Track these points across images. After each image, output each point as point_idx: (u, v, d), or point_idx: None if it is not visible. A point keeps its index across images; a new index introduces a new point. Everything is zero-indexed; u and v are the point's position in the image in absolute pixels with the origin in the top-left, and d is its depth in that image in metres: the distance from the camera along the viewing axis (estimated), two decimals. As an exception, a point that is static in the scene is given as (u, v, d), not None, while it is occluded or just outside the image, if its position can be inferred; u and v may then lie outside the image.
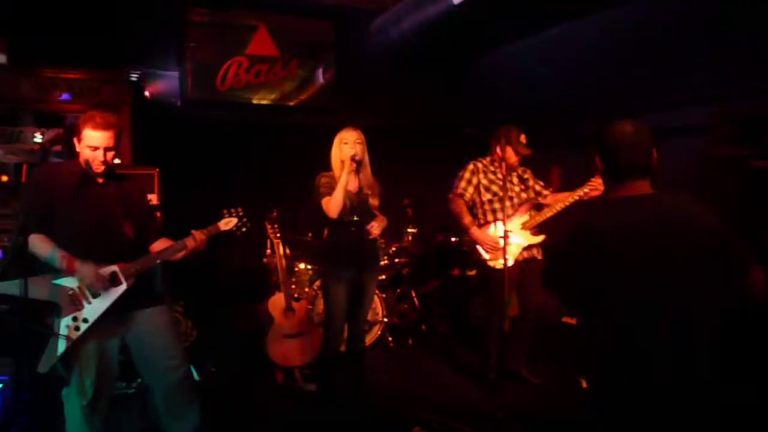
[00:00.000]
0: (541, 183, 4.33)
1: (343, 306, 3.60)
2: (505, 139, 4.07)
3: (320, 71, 5.97)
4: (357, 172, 3.51)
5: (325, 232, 3.74)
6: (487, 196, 4.16)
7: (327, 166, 3.62)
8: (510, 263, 3.85)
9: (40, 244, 2.61)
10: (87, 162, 2.69)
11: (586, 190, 3.92)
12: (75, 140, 2.71)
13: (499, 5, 4.58)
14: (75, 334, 2.59)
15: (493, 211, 4.17)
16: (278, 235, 4.30)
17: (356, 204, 3.52)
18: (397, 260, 5.37)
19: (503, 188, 4.02)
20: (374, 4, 5.80)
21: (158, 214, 3.92)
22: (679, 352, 1.76)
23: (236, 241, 3.83)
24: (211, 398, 3.00)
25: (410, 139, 6.05)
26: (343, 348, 3.96)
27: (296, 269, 4.97)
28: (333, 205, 3.44)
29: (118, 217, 2.74)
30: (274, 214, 4.45)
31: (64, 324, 2.59)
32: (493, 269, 4.03)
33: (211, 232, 2.92)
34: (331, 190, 3.49)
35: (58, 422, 2.81)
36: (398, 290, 5.47)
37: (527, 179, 4.30)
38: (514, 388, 4.08)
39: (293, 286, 4.48)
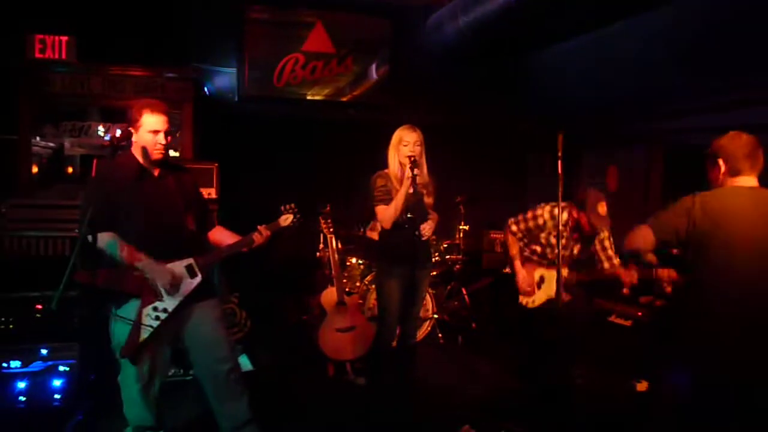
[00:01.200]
0: (609, 252, 3.96)
1: (396, 303, 3.61)
2: (582, 204, 3.71)
3: (374, 67, 5.99)
4: (414, 174, 3.40)
5: (372, 226, 3.73)
6: (551, 240, 3.96)
7: (379, 162, 3.59)
8: (531, 305, 4.02)
9: (106, 241, 2.71)
10: (145, 150, 2.76)
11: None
12: (131, 129, 2.78)
13: (560, 1, 4.48)
14: (156, 324, 2.70)
15: (542, 255, 4.07)
16: (331, 229, 4.36)
17: (411, 204, 3.51)
18: (448, 257, 5.36)
19: (566, 246, 3.89)
20: (431, 0, 5.77)
21: (215, 208, 4.06)
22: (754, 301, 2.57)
23: (290, 235, 3.92)
24: (263, 388, 3.07)
25: (463, 135, 6.02)
26: (394, 344, 3.99)
27: (348, 264, 5.03)
28: (387, 217, 3.45)
29: (178, 209, 2.82)
30: (327, 208, 4.50)
31: (146, 313, 2.71)
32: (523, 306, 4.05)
33: (273, 228, 2.99)
34: (386, 195, 3.49)
35: (120, 405, 2.95)
36: (449, 287, 5.46)
37: (602, 239, 3.95)
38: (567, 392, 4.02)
39: (345, 281, 4.53)
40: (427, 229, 3.53)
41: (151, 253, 2.71)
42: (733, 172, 2.71)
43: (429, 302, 4.94)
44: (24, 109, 4.26)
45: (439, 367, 4.54)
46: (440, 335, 5.06)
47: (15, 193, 4.07)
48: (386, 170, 3.57)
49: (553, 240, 3.94)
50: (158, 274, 2.69)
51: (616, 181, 4.95)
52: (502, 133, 6.17)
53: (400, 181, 3.46)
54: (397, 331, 3.79)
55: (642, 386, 4.13)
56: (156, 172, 2.85)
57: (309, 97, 5.82)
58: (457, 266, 5.45)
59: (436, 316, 5.01)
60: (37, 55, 4.33)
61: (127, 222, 2.74)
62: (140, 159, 2.81)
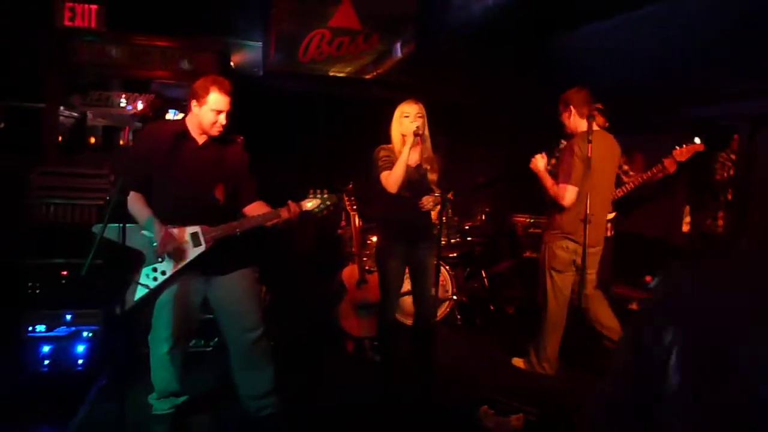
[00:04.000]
0: (628, 164, 4.35)
1: (396, 279, 3.64)
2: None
3: (398, 45, 5.92)
4: (417, 146, 3.47)
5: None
6: None
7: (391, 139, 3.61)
8: None
9: (137, 205, 2.76)
10: (200, 123, 2.79)
11: (655, 171, 4.20)
12: (193, 102, 2.80)
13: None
14: (152, 284, 2.76)
15: None
16: (354, 207, 4.35)
17: (414, 179, 3.51)
18: (469, 238, 5.34)
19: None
20: (458, -23, 5.68)
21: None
22: None
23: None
24: (281, 363, 3.08)
25: (487, 115, 5.95)
26: (410, 322, 3.99)
27: (368, 242, 5.03)
28: (393, 179, 3.44)
29: (209, 180, 2.83)
30: (350, 186, 4.49)
31: (144, 273, 2.77)
32: None
33: (301, 207, 2.95)
34: (389, 163, 3.49)
35: (141, 372, 3.00)
36: (468, 269, 5.45)
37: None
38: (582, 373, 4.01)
39: (365, 259, 4.53)
40: (428, 201, 3.50)
41: (173, 217, 2.75)
42: (581, 116, 3.73)
43: (449, 283, 4.93)
44: (52, 78, 4.26)
45: (457, 348, 4.54)
46: (459, 317, 5.06)
47: (41, 161, 4.09)
48: (390, 145, 3.60)
49: None
50: (158, 236, 2.72)
51: (642, 168, 4.89)
52: (527, 114, 6.08)
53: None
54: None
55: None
56: (200, 142, 2.86)
57: (333, 74, 5.79)
58: (478, 248, 5.42)
59: (455, 297, 5.01)
60: (67, 23, 4.32)
61: (158, 186, 2.78)
62: (191, 128, 2.83)
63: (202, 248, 2.78)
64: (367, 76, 5.91)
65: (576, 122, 3.85)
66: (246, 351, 2.93)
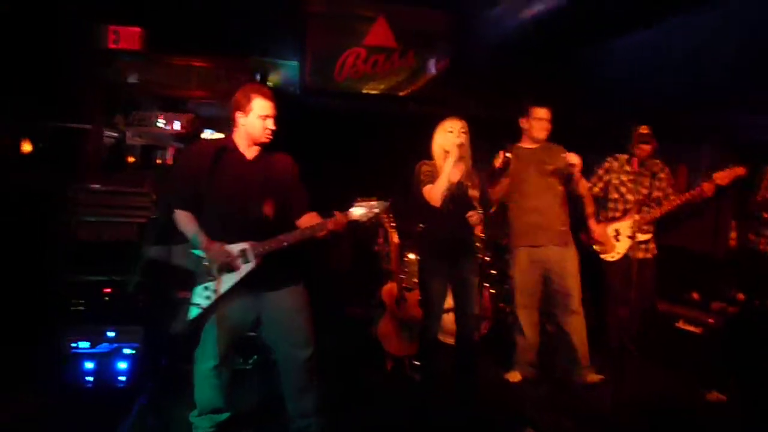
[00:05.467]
0: (672, 186, 4.29)
1: (439, 297, 3.60)
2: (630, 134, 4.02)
3: (432, 62, 5.92)
4: (460, 161, 3.49)
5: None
6: (614, 195, 4.36)
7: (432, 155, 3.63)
8: (615, 258, 4.30)
9: (185, 222, 2.77)
10: (248, 134, 2.79)
11: (694, 194, 4.08)
12: (238, 114, 2.80)
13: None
14: (205, 303, 2.73)
15: (615, 210, 4.36)
16: (393, 224, 4.32)
17: (456, 195, 3.49)
18: (507, 256, 5.24)
19: (631, 190, 4.18)
20: (492, -7, 5.67)
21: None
22: None
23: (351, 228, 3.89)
24: (320, 381, 3.04)
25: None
26: (451, 341, 3.93)
27: (405, 259, 4.98)
28: (436, 193, 3.43)
29: (259, 196, 2.82)
30: (388, 204, 4.45)
31: (196, 292, 2.75)
32: (605, 261, 4.33)
33: (348, 217, 2.88)
34: (432, 178, 3.50)
35: (182, 388, 2.99)
36: (505, 286, 5.35)
37: (663, 179, 4.27)
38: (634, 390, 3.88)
39: (403, 276, 4.48)
40: (474, 216, 3.45)
41: (222, 234, 2.74)
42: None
43: (488, 301, 4.85)
44: (96, 99, 4.37)
45: (500, 366, 4.44)
46: (499, 335, 4.96)
47: (83, 179, 4.16)
48: (432, 161, 3.61)
49: (622, 189, 4.31)
50: (212, 254, 2.70)
51: (686, 180, 4.77)
52: (563, 128, 6.00)
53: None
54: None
55: (712, 396, 3.96)
56: (250, 156, 2.86)
57: (366, 91, 5.80)
58: (507, 266, 5.30)
59: (491, 316, 4.91)
60: (111, 45, 4.42)
61: (207, 203, 2.79)
62: (238, 142, 2.83)
63: (251, 265, 2.75)
64: (401, 93, 5.91)
65: None
66: (297, 368, 2.90)
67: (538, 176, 4.01)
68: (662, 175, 4.29)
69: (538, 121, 4.05)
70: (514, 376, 4.18)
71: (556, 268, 4.04)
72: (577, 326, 4.07)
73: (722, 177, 3.98)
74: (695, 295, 4.61)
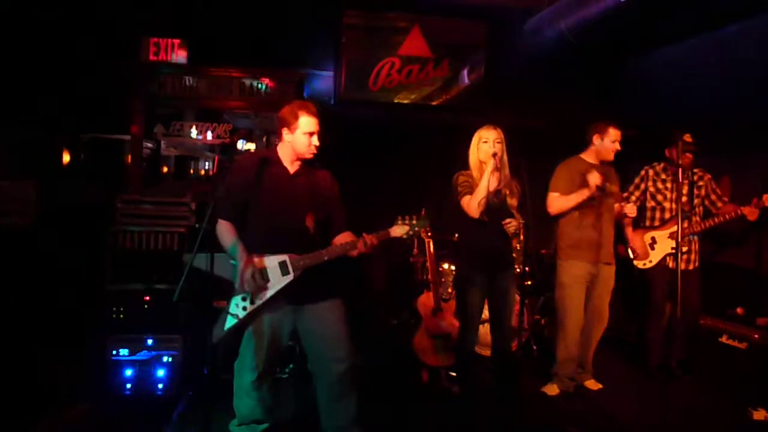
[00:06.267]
0: (718, 192, 4.25)
1: (476, 308, 3.56)
2: (671, 141, 4.11)
3: (466, 72, 5.91)
4: (497, 171, 3.45)
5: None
6: (651, 203, 4.38)
7: (468, 165, 3.61)
8: (647, 265, 4.36)
9: (225, 233, 2.80)
10: (293, 149, 2.84)
11: (734, 216, 4.08)
12: (284, 130, 2.85)
13: (670, 2, 4.26)
14: (242, 313, 2.76)
15: (653, 219, 4.39)
16: (429, 234, 4.29)
17: (493, 204, 3.45)
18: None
19: (669, 198, 4.21)
20: (529, 3, 5.64)
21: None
22: None
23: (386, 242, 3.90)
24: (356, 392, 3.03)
25: (562, 141, 5.83)
26: (487, 353, 3.88)
27: (440, 269, 4.95)
28: (474, 204, 3.40)
29: (301, 209, 2.85)
30: (423, 212, 4.43)
31: (234, 302, 2.77)
32: (643, 269, 4.38)
33: (381, 237, 2.92)
34: (470, 188, 3.46)
35: (222, 397, 3.00)
36: (542, 298, 5.28)
37: (702, 186, 4.24)
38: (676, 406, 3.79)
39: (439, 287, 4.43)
40: (512, 223, 3.42)
41: (263, 246, 2.76)
42: None
43: (524, 313, 4.78)
44: (137, 110, 4.44)
45: (537, 379, 4.37)
46: (534, 347, 4.90)
47: (124, 190, 4.24)
48: (468, 171, 3.59)
49: (659, 197, 4.35)
50: (244, 265, 2.71)
51: (729, 191, 4.67)
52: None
53: (480, 180, 3.45)
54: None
55: (759, 415, 3.84)
56: (292, 171, 2.89)
57: (398, 101, 5.80)
58: (545, 277, 5.22)
59: (528, 328, 4.85)
60: (152, 57, 4.51)
61: (251, 216, 2.81)
62: (282, 156, 2.87)
63: (290, 277, 2.77)
64: (434, 103, 5.90)
65: None
66: (334, 382, 2.89)
67: (605, 196, 3.98)
68: (701, 183, 4.26)
69: (612, 143, 4.00)
70: (552, 389, 4.13)
71: (602, 285, 4.06)
72: (598, 334, 4.16)
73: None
74: (740, 311, 4.50)
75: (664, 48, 5.36)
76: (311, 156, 2.87)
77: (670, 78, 5.40)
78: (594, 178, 3.79)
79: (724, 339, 4.34)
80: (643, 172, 4.41)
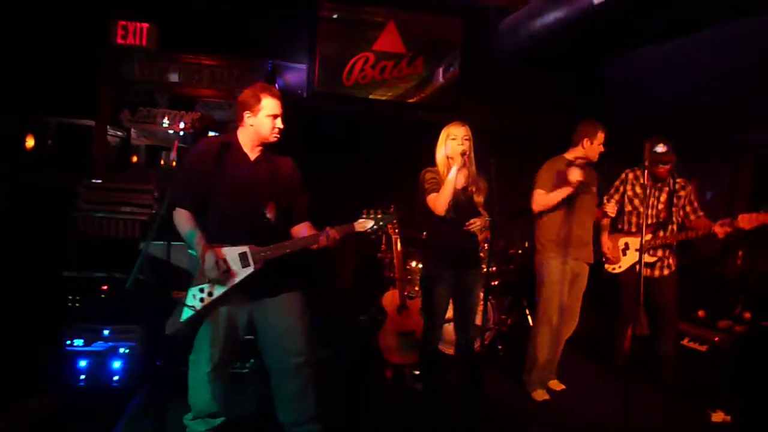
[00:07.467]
0: (695, 205, 4.17)
1: (442, 306, 3.53)
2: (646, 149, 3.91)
3: (441, 70, 5.89)
4: (464, 168, 3.42)
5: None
6: (628, 207, 4.33)
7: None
8: (617, 270, 4.33)
9: (183, 222, 2.71)
10: (255, 133, 2.76)
11: (717, 230, 3.90)
12: (246, 114, 2.76)
13: (646, 5, 4.29)
14: (199, 305, 2.66)
15: (629, 223, 4.34)
16: (397, 231, 4.25)
17: (460, 201, 3.43)
18: (512, 266, 5.19)
19: (644, 203, 4.14)
20: (505, 2, 5.64)
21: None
22: None
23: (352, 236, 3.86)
24: (318, 389, 2.97)
25: (535, 141, 5.84)
26: (451, 351, 3.85)
27: (408, 267, 4.92)
28: (441, 201, 3.36)
29: (262, 198, 2.77)
30: (392, 209, 4.39)
31: (191, 293, 2.68)
32: (613, 273, 4.34)
33: (344, 231, 2.84)
34: (437, 186, 3.43)
35: (178, 389, 2.92)
36: (509, 297, 5.29)
37: (681, 197, 4.17)
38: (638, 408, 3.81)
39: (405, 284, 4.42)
40: (476, 222, 3.41)
41: (223, 236, 2.68)
42: None
43: (490, 312, 4.78)
44: (104, 95, 4.33)
45: (498, 378, 4.37)
46: (500, 347, 4.89)
47: (89, 176, 4.13)
48: (435, 167, 3.54)
49: (636, 201, 4.29)
50: (202, 251, 2.63)
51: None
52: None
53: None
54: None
55: (717, 417, 3.88)
56: (253, 158, 2.82)
57: (374, 97, 5.76)
58: (520, 277, 5.24)
59: (495, 327, 4.84)
60: (119, 41, 4.40)
61: (211, 204, 2.73)
62: (243, 142, 2.79)
63: (251, 269, 2.69)
64: (410, 100, 5.88)
65: None
66: (291, 376, 2.83)
67: (584, 193, 3.96)
68: (682, 193, 4.18)
69: (599, 146, 3.96)
70: (542, 395, 4.04)
71: (579, 284, 4.04)
72: (567, 334, 4.13)
73: (746, 221, 3.77)
74: (701, 313, 4.54)
75: (639, 50, 5.42)
76: (275, 139, 2.79)
77: (643, 79, 5.46)
78: (574, 174, 3.73)
79: (685, 342, 4.38)
80: (623, 175, 4.37)
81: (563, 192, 3.82)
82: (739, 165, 4.07)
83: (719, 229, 3.89)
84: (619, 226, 4.39)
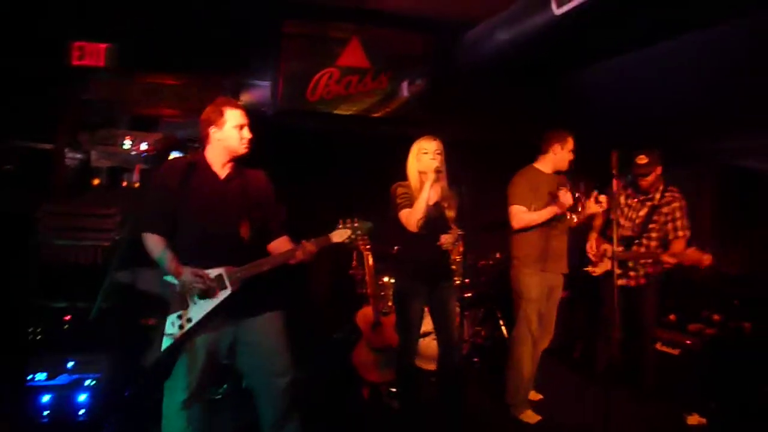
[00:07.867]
0: (677, 224, 4.07)
1: (416, 321, 3.49)
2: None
3: (405, 84, 5.89)
4: (436, 184, 3.40)
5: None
6: (612, 216, 4.11)
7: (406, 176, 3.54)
8: (596, 273, 4.25)
9: (153, 246, 2.61)
10: (224, 149, 2.69)
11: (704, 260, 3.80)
12: (211, 129, 2.69)
13: (606, 17, 4.36)
14: (177, 332, 2.55)
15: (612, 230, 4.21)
16: (368, 246, 4.20)
17: (432, 216, 3.40)
18: (483, 278, 5.18)
19: (626, 216, 4.17)
20: (467, 17, 5.68)
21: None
22: None
23: (326, 250, 3.80)
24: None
25: (501, 154, 5.87)
26: (428, 367, 3.80)
27: (381, 282, 4.86)
28: (414, 217, 3.33)
29: (235, 217, 2.68)
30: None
31: (170, 321, 2.57)
32: (597, 279, 4.26)
33: (321, 243, 2.75)
34: (409, 201, 3.40)
35: (150, 418, 2.80)
36: (482, 309, 5.28)
37: (663, 213, 4.09)
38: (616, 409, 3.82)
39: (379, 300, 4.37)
40: (447, 239, 3.38)
41: (196, 258, 2.59)
42: None
43: (464, 325, 4.75)
44: (61, 118, 4.20)
45: (477, 391, 4.34)
46: (476, 360, 4.87)
47: (48, 201, 3.98)
48: (406, 182, 3.52)
49: (618, 211, 4.22)
50: (185, 280, 2.53)
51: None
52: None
53: (420, 192, 3.38)
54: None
55: (693, 419, 3.92)
56: (223, 175, 2.74)
57: (339, 113, 5.73)
58: (493, 288, 5.23)
59: (469, 339, 4.83)
60: (75, 62, 4.27)
61: (181, 225, 2.64)
62: (211, 160, 2.71)
63: (228, 291, 2.59)
64: (375, 115, 5.85)
65: None
66: (277, 396, 2.74)
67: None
68: (665, 210, 4.09)
69: (569, 152, 3.93)
70: (533, 417, 3.92)
71: (554, 295, 4.01)
72: (544, 345, 4.09)
73: (685, 258, 3.84)
74: (672, 317, 4.60)
75: (602, 61, 5.51)
76: (246, 151, 2.73)
77: (609, 90, 5.55)
78: (567, 199, 3.71)
79: (658, 346, 4.42)
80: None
81: (550, 212, 3.77)
82: (703, 174, 4.14)
83: (707, 259, 3.80)
84: (608, 232, 4.33)
